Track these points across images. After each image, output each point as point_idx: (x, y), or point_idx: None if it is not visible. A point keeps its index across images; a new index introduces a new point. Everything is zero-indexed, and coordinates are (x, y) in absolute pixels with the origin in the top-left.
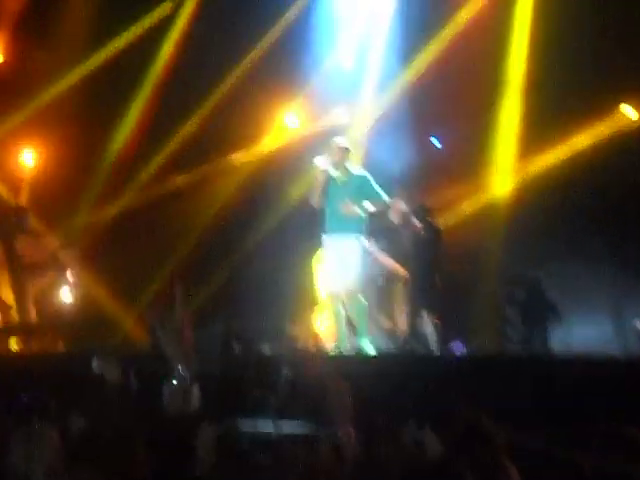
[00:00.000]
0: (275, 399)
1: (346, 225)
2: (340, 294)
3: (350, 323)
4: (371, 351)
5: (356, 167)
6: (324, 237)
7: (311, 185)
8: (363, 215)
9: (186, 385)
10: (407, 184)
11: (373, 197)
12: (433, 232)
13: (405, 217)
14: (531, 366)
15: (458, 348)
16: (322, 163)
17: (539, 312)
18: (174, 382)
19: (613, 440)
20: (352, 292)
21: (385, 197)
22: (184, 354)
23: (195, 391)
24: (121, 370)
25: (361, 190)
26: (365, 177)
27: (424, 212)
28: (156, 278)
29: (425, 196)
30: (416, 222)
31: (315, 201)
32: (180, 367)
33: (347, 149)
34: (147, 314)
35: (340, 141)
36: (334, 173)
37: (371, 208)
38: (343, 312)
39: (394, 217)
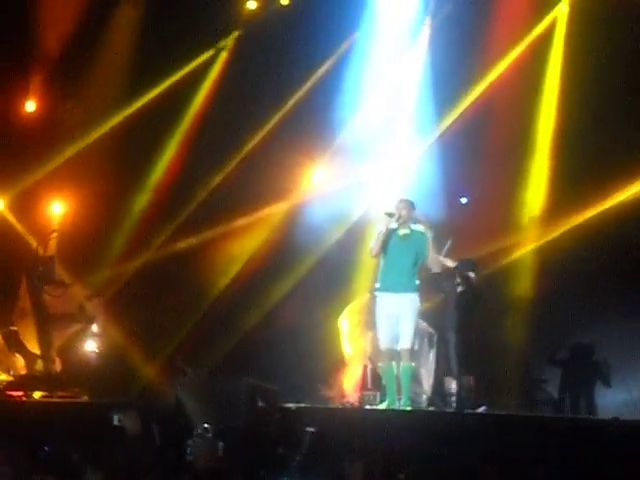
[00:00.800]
0: (299, 456)
1: (405, 283)
2: (394, 352)
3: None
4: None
5: (417, 225)
6: (378, 294)
7: (374, 235)
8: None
9: (210, 440)
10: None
11: (426, 253)
12: (476, 289)
13: (455, 271)
14: (559, 431)
15: (482, 410)
16: (389, 216)
17: (570, 375)
18: (198, 439)
19: None
20: (405, 350)
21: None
22: (206, 410)
23: (220, 446)
24: (143, 424)
25: (420, 248)
26: (424, 234)
27: (468, 267)
28: (181, 331)
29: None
30: (457, 277)
31: (375, 253)
32: (203, 423)
33: (412, 203)
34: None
35: (404, 197)
36: (397, 228)
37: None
38: (395, 370)
39: (435, 265)
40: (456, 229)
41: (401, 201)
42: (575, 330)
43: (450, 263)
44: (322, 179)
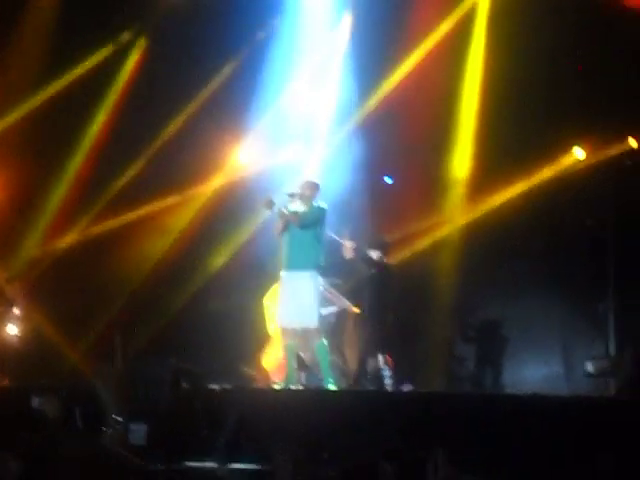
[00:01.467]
0: (223, 437)
1: (303, 261)
2: (295, 330)
3: (300, 359)
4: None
5: (319, 202)
6: (282, 273)
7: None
8: (321, 250)
9: (121, 430)
10: (359, 221)
11: (318, 230)
12: (386, 270)
13: (359, 254)
14: (480, 404)
15: (407, 388)
16: (290, 197)
17: (490, 351)
18: (109, 430)
19: None
20: (310, 329)
21: (335, 233)
22: (118, 399)
23: (136, 432)
24: (63, 407)
25: (319, 223)
26: (323, 209)
27: (380, 249)
28: (104, 314)
29: (377, 233)
30: (370, 259)
31: (278, 233)
32: (114, 413)
33: (318, 186)
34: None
35: (312, 178)
36: (299, 208)
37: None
38: (294, 348)
39: (346, 253)
40: (381, 209)
41: (307, 182)
42: (494, 307)
43: (353, 245)
44: (248, 160)
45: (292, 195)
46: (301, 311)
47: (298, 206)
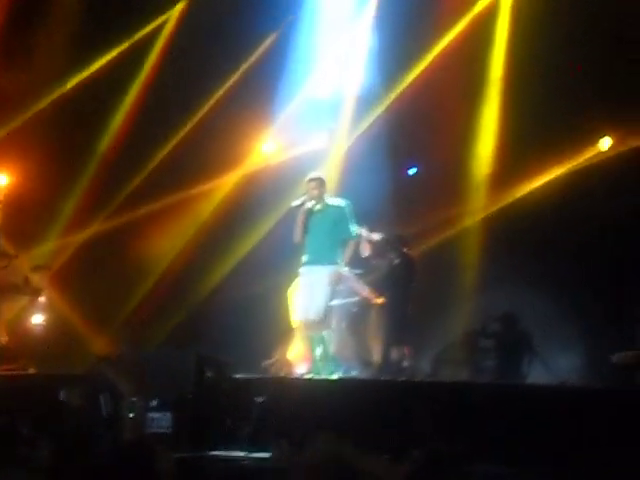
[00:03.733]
0: (248, 427)
1: (322, 256)
2: (312, 321)
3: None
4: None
5: (334, 199)
6: (301, 268)
7: (294, 223)
8: (340, 246)
9: (141, 417)
10: (382, 212)
11: (347, 228)
12: (407, 262)
13: (378, 247)
14: (504, 396)
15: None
16: (299, 201)
17: (513, 344)
18: (130, 414)
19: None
20: (314, 321)
21: (356, 228)
22: (139, 387)
23: (162, 420)
24: (87, 396)
25: (337, 221)
26: (341, 208)
27: (399, 242)
28: (128, 302)
29: (400, 224)
30: (390, 252)
31: (298, 239)
32: (134, 399)
33: (322, 180)
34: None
35: (314, 175)
36: (313, 206)
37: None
38: (317, 339)
39: (365, 248)
40: (403, 200)
41: (310, 181)
42: (518, 300)
43: (377, 237)
44: (271, 149)
45: (299, 206)
46: (310, 304)
47: (310, 205)
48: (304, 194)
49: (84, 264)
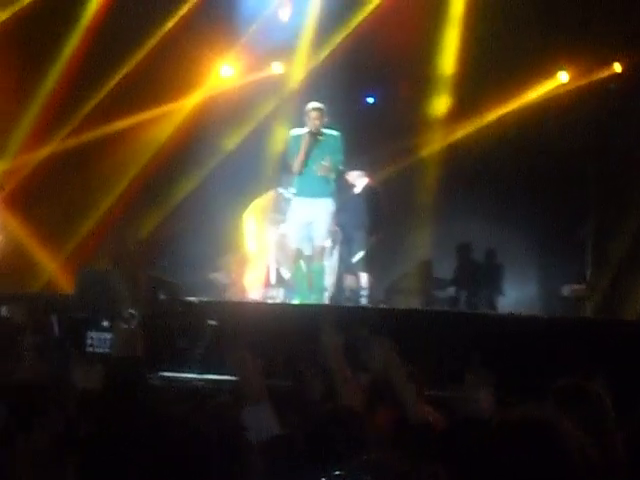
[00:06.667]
0: (200, 349)
1: (317, 187)
2: (302, 252)
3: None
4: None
5: (328, 129)
6: (294, 199)
7: (292, 152)
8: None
9: (133, 328)
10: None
11: (341, 159)
12: (371, 193)
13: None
14: (457, 323)
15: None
16: (303, 130)
17: (468, 274)
18: (123, 325)
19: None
20: (320, 251)
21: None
22: (136, 297)
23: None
24: (34, 315)
25: (334, 151)
26: (337, 138)
27: (361, 169)
28: (83, 226)
29: (358, 154)
30: (354, 181)
31: (297, 168)
32: (130, 310)
33: (324, 110)
34: (101, 254)
35: (316, 104)
36: (315, 135)
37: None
38: (305, 269)
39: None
40: (362, 128)
41: (313, 110)
42: (474, 231)
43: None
44: (229, 74)
45: (317, 135)
46: (314, 235)
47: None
48: (304, 124)
49: (39, 186)
